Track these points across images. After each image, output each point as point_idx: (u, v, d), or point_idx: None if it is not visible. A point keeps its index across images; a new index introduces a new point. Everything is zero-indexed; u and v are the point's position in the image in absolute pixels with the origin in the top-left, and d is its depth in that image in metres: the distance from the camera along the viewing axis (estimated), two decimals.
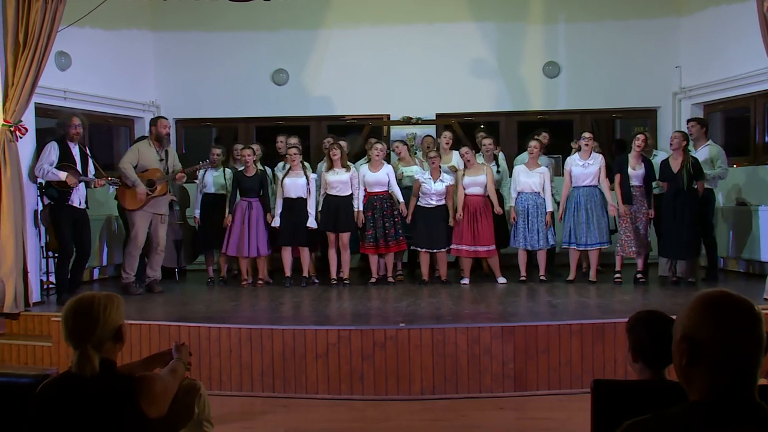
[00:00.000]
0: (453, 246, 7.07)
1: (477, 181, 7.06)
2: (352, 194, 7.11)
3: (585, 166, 7.04)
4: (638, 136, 7.02)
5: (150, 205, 6.92)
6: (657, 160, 7.35)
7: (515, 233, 7.10)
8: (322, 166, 7.44)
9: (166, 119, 7.28)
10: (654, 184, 6.99)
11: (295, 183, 7.11)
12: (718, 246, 7.20)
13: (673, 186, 6.67)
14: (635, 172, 6.84)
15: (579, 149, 7.15)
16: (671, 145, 6.74)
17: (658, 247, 7.16)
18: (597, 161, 7.04)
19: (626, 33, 8.67)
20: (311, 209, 7.11)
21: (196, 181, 7.60)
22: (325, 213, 7.11)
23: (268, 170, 7.55)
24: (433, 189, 7.04)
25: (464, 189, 7.06)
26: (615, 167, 6.99)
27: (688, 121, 7.49)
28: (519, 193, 7.10)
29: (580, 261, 7.29)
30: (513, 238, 7.14)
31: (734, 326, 1.40)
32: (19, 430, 2.32)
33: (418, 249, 7.15)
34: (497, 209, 7.04)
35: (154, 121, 7.15)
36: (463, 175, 7.12)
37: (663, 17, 8.70)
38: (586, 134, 7.15)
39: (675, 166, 6.66)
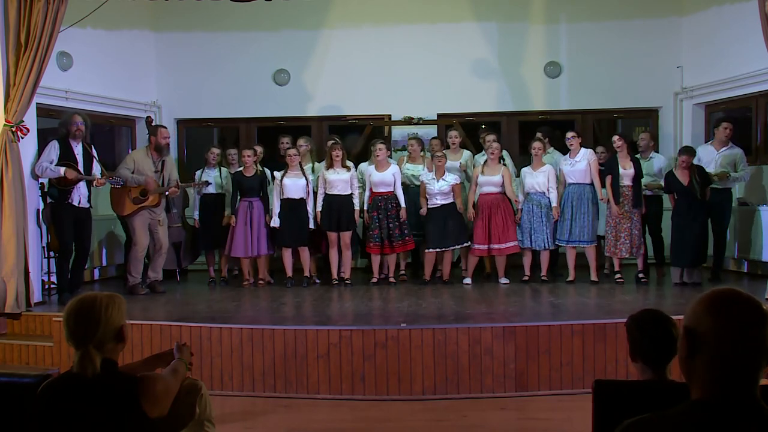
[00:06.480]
0: (477, 247, 7.02)
1: (491, 181, 7.03)
2: (352, 194, 7.12)
3: (572, 164, 7.04)
4: (614, 137, 7.00)
5: (144, 211, 6.92)
6: (654, 162, 7.32)
7: (522, 233, 7.07)
8: (322, 165, 7.44)
9: (166, 128, 7.24)
10: (644, 184, 7.00)
11: (295, 183, 7.11)
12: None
13: (685, 198, 6.61)
14: (626, 171, 6.83)
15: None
16: (683, 163, 6.61)
17: (654, 249, 7.11)
18: (585, 158, 7.01)
19: (628, 33, 8.65)
20: (311, 209, 7.13)
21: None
22: (326, 213, 7.10)
23: (267, 171, 7.52)
24: (437, 189, 7.03)
25: (478, 187, 7.05)
26: (606, 168, 6.98)
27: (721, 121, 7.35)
28: (527, 194, 7.07)
29: (601, 262, 7.32)
30: (519, 238, 7.09)
31: (736, 321, 1.40)
32: (21, 429, 2.33)
33: (433, 250, 7.08)
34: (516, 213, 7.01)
35: (153, 131, 7.12)
36: (481, 172, 7.08)
37: (664, 17, 8.69)
38: (568, 133, 7.15)
39: (683, 178, 6.62)
